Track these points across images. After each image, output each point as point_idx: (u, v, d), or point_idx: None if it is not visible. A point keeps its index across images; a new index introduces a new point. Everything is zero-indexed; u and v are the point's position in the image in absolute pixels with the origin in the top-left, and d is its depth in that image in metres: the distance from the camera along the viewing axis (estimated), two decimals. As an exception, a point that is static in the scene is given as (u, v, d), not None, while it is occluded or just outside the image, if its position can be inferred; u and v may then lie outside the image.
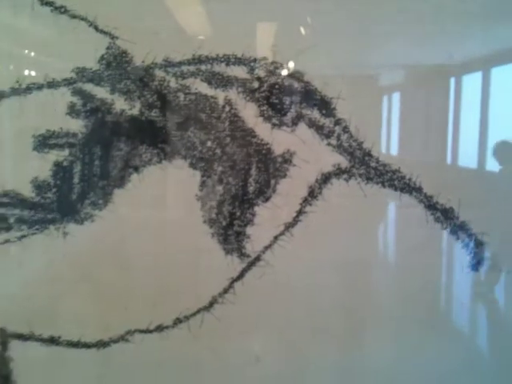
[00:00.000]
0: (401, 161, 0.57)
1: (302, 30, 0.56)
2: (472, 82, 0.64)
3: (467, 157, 0.64)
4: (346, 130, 0.55)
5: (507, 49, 0.62)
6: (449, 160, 0.62)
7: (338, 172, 0.56)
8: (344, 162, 0.56)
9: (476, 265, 0.58)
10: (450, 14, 0.61)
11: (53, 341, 0.59)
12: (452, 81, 0.63)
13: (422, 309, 0.59)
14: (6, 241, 0.57)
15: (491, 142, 0.63)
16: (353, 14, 0.59)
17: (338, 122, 0.55)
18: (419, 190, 0.56)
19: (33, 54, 0.54)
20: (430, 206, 0.57)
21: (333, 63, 0.56)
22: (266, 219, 0.57)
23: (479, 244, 0.57)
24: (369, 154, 0.56)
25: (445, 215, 0.57)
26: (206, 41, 0.55)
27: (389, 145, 0.61)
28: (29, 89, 0.54)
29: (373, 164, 0.56)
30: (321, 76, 0.55)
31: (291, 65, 0.54)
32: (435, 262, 0.59)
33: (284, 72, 0.54)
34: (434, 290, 0.59)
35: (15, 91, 0.54)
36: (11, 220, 0.57)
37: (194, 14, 0.57)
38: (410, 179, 0.56)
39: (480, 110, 0.63)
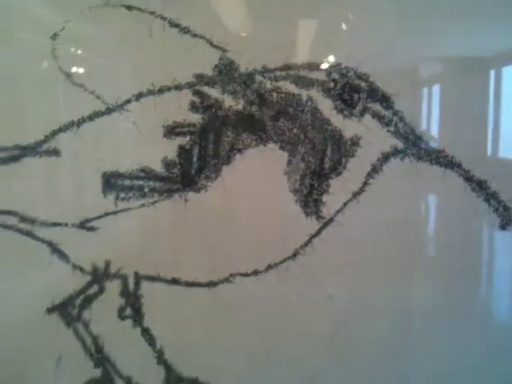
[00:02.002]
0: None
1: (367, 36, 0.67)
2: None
3: (508, 149, 0.70)
4: (401, 119, 0.65)
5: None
6: (489, 152, 0.69)
7: (395, 152, 0.65)
8: (400, 144, 0.66)
9: (504, 225, 0.67)
10: (489, 5, 0.67)
11: (174, 281, 0.70)
12: (492, 73, 0.68)
13: (464, 258, 0.70)
14: (142, 205, 0.69)
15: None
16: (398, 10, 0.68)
17: (395, 113, 0.65)
18: (459, 165, 0.66)
19: (163, 64, 0.67)
20: (468, 178, 0.66)
21: (391, 65, 0.67)
22: (338, 189, 0.66)
23: (507, 209, 0.67)
24: (420, 138, 0.66)
25: (479, 186, 0.67)
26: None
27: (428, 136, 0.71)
28: (161, 90, 0.66)
29: (423, 146, 0.66)
30: (383, 76, 0.66)
31: (359, 69, 0.66)
32: (472, 222, 0.69)
33: (353, 74, 0.66)
34: (472, 244, 0.70)
35: (150, 92, 0.66)
36: (146, 189, 0.69)
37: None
38: (452, 157, 0.66)
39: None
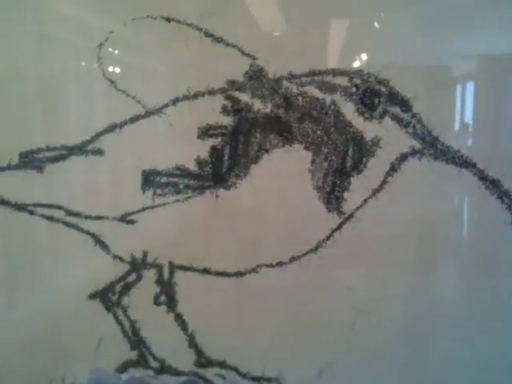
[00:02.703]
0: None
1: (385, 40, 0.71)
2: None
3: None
4: (419, 121, 0.69)
5: None
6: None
7: (413, 152, 0.68)
8: (417, 145, 0.69)
9: None
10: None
11: (205, 271, 0.75)
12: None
13: (477, 252, 0.73)
14: (177, 200, 0.74)
15: None
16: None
17: (413, 116, 0.68)
18: (474, 165, 0.69)
19: (198, 71, 0.72)
20: (482, 177, 0.69)
21: (411, 67, 0.70)
22: (359, 186, 0.69)
23: None
24: (436, 139, 0.69)
25: (493, 184, 0.70)
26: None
27: (462, 134, 0.73)
28: (195, 95, 0.71)
29: (439, 146, 0.69)
30: (401, 80, 0.69)
31: (380, 74, 0.69)
32: (485, 219, 0.72)
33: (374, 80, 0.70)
34: (486, 239, 0.73)
35: (186, 97, 0.71)
36: (181, 186, 0.73)
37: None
38: (467, 157, 0.70)
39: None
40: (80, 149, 0.73)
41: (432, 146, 0.68)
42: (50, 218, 0.75)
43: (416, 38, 0.70)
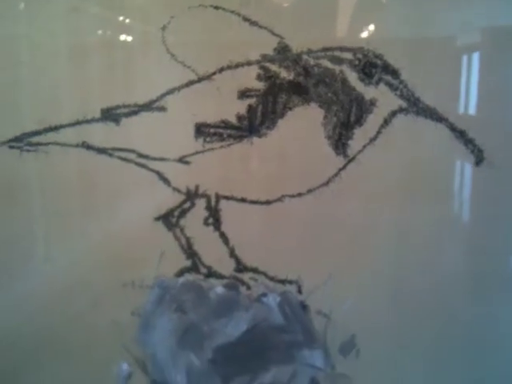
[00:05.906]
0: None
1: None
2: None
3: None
4: (405, 86, 0.90)
5: None
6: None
7: (400, 110, 0.88)
8: (404, 104, 0.90)
9: (478, 162, 0.90)
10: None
11: (242, 200, 0.94)
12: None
13: (450, 183, 0.95)
14: (222, 146, 0.97)
15: None
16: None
17: (401, 82, 0.90)
18: (446, 119, 0.91)
19: (239, 47, 0.93)
20: (453, 128, 0.91)
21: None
22: (360, 135, 0.89)
23: (480, 151, 0.91)
24: (418, 100, 0.92)
25: (460, 134, 0.92)
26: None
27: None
28: (236, 66, 0.92)
29: (420, 105, 0.92)
30: (392, 53, 0.90)
31: (377, 50, 0.90)
32: (455, 160, 0.95)
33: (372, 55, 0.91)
34: (455, 174, 0.96)
35: (229, 67, 0.91)
36: (224, 135, 0.95)
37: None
38: (442, 113, 0.91)
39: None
40: (148, 106, 0.96)
41: (415, 105, 0.90)
42: (124, 159, 0.99)
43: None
